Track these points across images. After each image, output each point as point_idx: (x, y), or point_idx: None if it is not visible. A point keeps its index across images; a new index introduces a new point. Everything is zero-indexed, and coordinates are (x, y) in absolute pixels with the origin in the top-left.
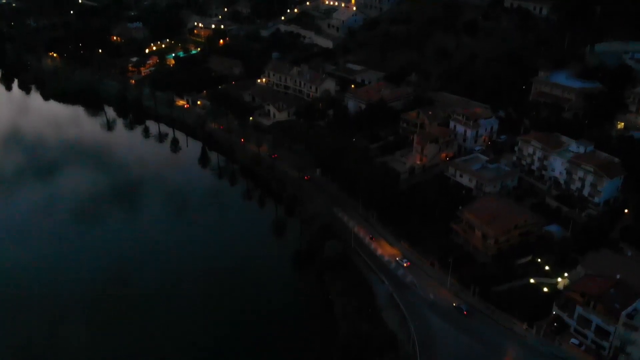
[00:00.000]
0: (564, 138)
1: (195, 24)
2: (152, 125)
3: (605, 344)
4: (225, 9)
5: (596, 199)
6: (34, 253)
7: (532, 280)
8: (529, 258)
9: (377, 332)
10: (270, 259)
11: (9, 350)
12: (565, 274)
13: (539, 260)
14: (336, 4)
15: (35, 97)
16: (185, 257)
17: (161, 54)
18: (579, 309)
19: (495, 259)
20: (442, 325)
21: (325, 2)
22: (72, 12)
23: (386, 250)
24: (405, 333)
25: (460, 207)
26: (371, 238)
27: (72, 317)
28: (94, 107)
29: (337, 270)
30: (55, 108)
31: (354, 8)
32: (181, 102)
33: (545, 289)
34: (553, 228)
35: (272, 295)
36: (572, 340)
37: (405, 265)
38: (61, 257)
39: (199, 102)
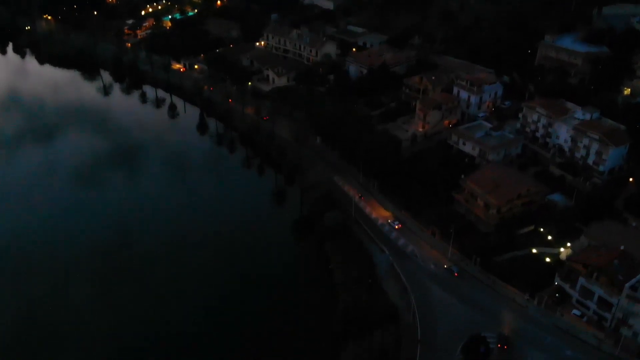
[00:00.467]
0: (570, 105)
1: None
2: (149, 90)
3: (608, 315)
4: None
5: (601, 168)
6: (36, 216)
7: (534, 251)
8: (532, 228)
9: (377, 303)
10: (270, 227)
11: (13, 311)
12: (568, 244)
13: (542, 230)
14: None
15: (30, 61)
16: (185, 221)
17: (157, 16)
18: (581, 280)
19: (497, 229)
20: (442, 295)
21: None
22: None
23: (379, 213)
24: (405, 303)
25: (462, 176)
26: (360, 197)
27: (75, 279)
28: (89, 71)
29: (338, 239)
30: (50, 72)
31: None
32: (177, 66)
33: (548, 259)
34: (556, 197)
35: (272, 263)
36: (574, 311)
37: (396, 227)
38: (63, 220)
39: (196, 67)
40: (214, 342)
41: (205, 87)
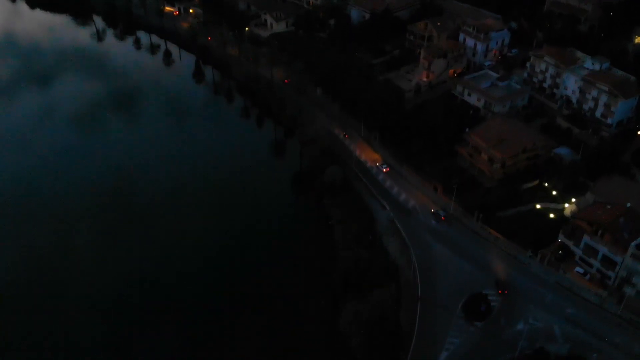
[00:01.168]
0: (579, 54)
1: None
2: (143, 36)
3: (611, 274)
4: None
5: (609, 120)
6: (35, 163)
7: (538, 206)
8: (536, 182)
9: (377, 260)
10: (268, 180)
11: (15, 259)
12: (573, 200)
13: (546, 185)
14: None
15: (21, 5)
16: (184, 168)
17: None
18: (585, 238)
19: (501, 184)
20: (444, 251)
21: None
22: None
23: (369, 156)
24: (406, 260)
25: (467, 129)
26: (345, 135)
27: (75, 225)
28: (82, 16)
29: (338, 195)
30: (42, 17)
31: None
32: (170, 9)
33: (552, 215)
34: (562, 151)
35: (271, 218)
36: (577, 269)
37: (384, 170)
38: (62, 166)
39: (190, 10)
40: (212, 295)
41: (203, 37)
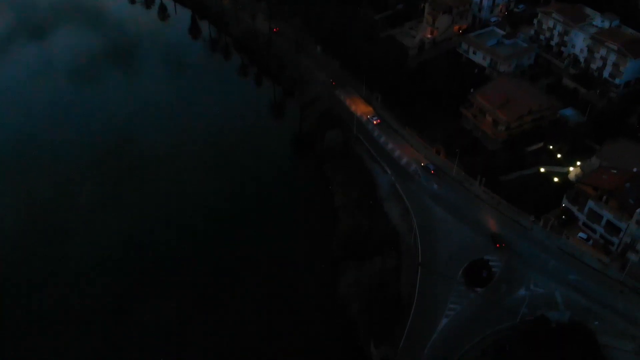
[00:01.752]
0: (588, 10)
1: None
2: None
3: (615, 240)
4: None
5: (617, 80)
6: (32, 116)
7: (542, 170)
8: (540, 145)
9: (378, 225)
10: (268, 141)
11: (18, 212)
12: (578, 163)
13: (551, 147)
14: None
15: None
16: (182, 125)
17: None
18: (590, 204)
19: (505, 146)
20: (445, 217)
21: None
22: None
23: (360, 108)
24: (407, 225)
25: (471, 90)
26: (332, 83)
27: (76, 178)
28: None
29: (338, 159)
30: None
31: None
32: None
33: (556, 179)
34: (568, 112)
35: (271, 180)
36: (580, 234)
37: (375, 122)
38: (59, 120)
39: None
40: (211, 255)
41: None
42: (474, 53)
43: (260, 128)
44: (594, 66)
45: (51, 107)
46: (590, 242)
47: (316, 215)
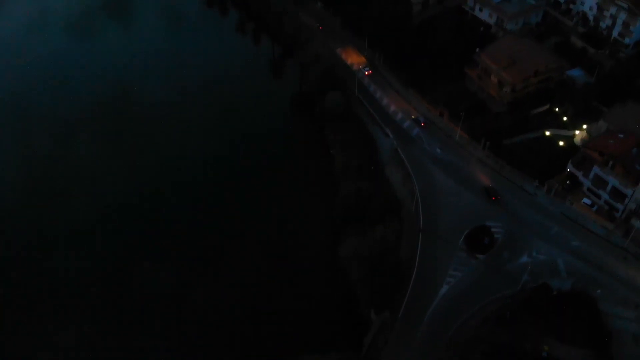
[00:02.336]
0: None
1: None
2: None
3: (620, 206)
4: None
5: (627, 40)
6: (30, 69)
7: (547, 133)
8: (547, 107)
9: (379, 191)
10: (266, 101)
11: (19, 167)
12: (584, 126)
13: (557, 109)
14: None
15: None
16: (179, 81)
17: None
18: (595, 169)
19: (510, 108)
20: (448, 182)
21: None
22: None
23: (354, 59)
24: (408, 190)
25: (477, 50)
26: (319, 26)
27: (77, 132)
28: None
29: (339, 122)
30: None
31: None
32: None
33: (561, 143)
34: (575, 73)
35: (269, 142)
36: (584, 200)
37: (367, 73)
38: (57, 72)
39: None
40: (210, 217)
41: None
42: (480, 10)
43: (258, 87)
44: (603, 25)
45: (48, 59)
46: (595, 208)
47: (316, 178)
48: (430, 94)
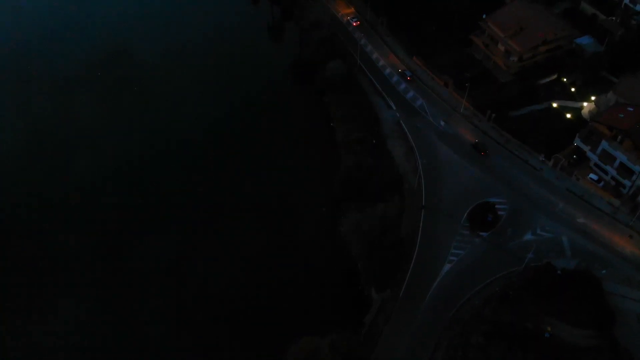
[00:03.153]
0: None
1: None
2: None
3: (627, 182)
4: None
5: (637, 7)
6: (30, 27)
7: (554, 105)
8: (554, 77)
9: (381, 164)
10: (265, 68)
11: (20, 126)
12: (593, 98)
13: (565, 80)
14: None
15: None
16: (177, 36)
17: None
18: (604, 144)
19: (517, 78)
20: (452, 156)
21: None
22: None
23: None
24: (411, 165)
25: (483, 16)
26: None
27: (76, 91)
28: None
29: (340, 93)
30: None
31: None
32: None
33: (568, 116)
34: (584, 40)
35: (268, 112)
36: (591, 175)
37: (354, 24)
38: (58, 29)
39: None
40: (210, 189)
41: None
42: None
43: (256, 51)
44: None
45: (45, 17)
46: (601, 184)
47: (317, 150)
48: (434, 61)
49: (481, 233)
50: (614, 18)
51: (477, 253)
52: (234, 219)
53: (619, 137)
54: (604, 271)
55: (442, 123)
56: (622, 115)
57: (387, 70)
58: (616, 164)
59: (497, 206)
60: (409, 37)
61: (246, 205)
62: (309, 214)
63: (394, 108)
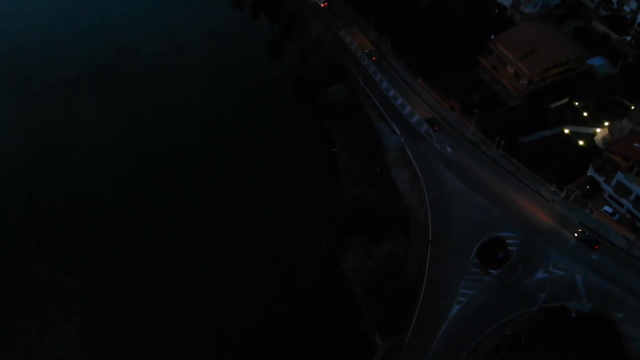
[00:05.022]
0: None
1: None
2: None
3: None
4: None
5: None
6: (29, 29)
7: (566, 130)
8: (565, 100)
9: (385, 196)
10: (264, 86)
11: (21, 128)
12: (606, 124)
13: (577, 104)
14: None
15: None
16: (177, 46)
17: None
18: (619, 176)
19: (526, 102)
20: (459, 186)
21: None
22: None
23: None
24: (416, 195)
25: (492, 37)
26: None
27: (77, 91)
28: None
29: (342, 117)
30: None
31: None
32: None
33: (581, 143)
34: (597, 62)
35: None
36: (605, 207)
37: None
38: (56, 32)
39: None
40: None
41: None
42: None
43: (256, 71)
44: (627, 8)
45: (46, 17)
46: (616, 217)
47: (318, 177)
48: (440, 83)
49: (491, 271)
50: (627, 38)
51: (486, 293)
52: (231, 252)
53: (636, 168)
54: (620, 315)
55: (449, 149)
56: (638, 145)
57: (392, 92)
58: (632, 197)
59: (507, 241)
60: (413, 58)
61: (243, 236)
62: (309, 247)
63: (399, 133)
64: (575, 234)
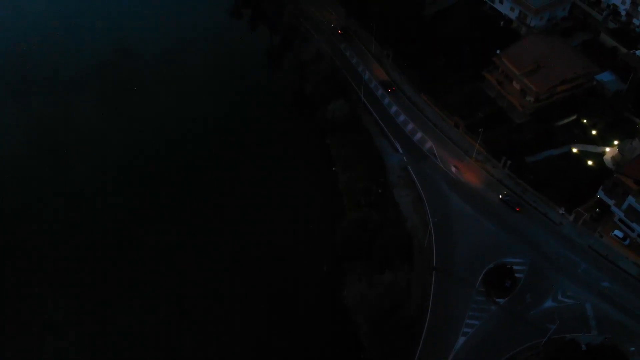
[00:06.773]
0: None
1: None
2: None
3: None
4: None
5: None
6: (30, 30)
7: (574, 150)
8: (573, 117)
9: (387, 218)
10: (263, 99)
11: (23, 128)
12: (615, 142)
13: (585, 121)
14: None
15: None
16: (175, 53)
17: None
18: (630, 200)
19: (533, 119)
20: (464, 208)
21: None
22: None
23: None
24: (420, 219)
25: (497, 52)
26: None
27: (78, 92)
28: None
29: (342, 134)
30: None
31: None
32: None
33: (590, 162)
34: (606, 77)
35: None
36: (616, 232)
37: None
38: (57, 34)
39: None
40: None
41: None
42: (501, 2)
43: (254, 83)
44: (636, 21)
45: (46, 19)
46: (627, 242)
47: (317, 197)
48: (444, 99)
49: (497, 299)
50: (637, 52)
51: (493, 323)
52: (227, 276)
53: None
54: (632, 348)
55: (454, 169)
56: None
57: (394, 109)
58: None
59: (514, 267)
60: (416, 72)
61: (238, 260)
62: (308, 272)
63: (401, 152)
64: (500, 196)
